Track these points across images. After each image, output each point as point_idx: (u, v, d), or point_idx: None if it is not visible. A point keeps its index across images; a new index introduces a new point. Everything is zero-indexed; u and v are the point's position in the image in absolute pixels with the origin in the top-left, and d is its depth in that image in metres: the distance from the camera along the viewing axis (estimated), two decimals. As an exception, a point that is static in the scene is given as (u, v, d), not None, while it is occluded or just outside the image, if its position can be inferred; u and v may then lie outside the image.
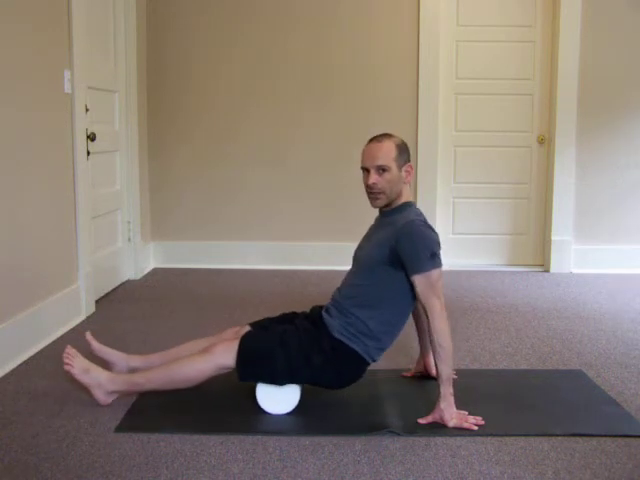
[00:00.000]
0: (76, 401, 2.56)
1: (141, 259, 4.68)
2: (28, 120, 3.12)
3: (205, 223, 5.00)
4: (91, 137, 3.78)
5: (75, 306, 3.58)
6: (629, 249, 4.93)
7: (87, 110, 3.75)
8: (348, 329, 2.45)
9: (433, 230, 2.45)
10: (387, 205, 2.51)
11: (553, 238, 4.91)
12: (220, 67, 4.88)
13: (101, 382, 2.48)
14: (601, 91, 4.82)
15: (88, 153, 3.78)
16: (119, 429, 2.33)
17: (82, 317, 3.65)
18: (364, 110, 4.89)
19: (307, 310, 2.72)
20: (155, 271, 4.88)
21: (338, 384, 2.50)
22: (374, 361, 2.51)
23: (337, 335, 2.44)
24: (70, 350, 2.54)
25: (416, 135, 4.89)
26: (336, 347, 2.43)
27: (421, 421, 2.37)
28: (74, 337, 3.34)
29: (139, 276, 4.65)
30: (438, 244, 2.42)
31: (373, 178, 2.44)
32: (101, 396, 2.49)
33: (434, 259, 2.38)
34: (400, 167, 2.46)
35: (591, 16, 4.75)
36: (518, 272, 4.90)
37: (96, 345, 2.70)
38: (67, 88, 3.48)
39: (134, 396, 2.58)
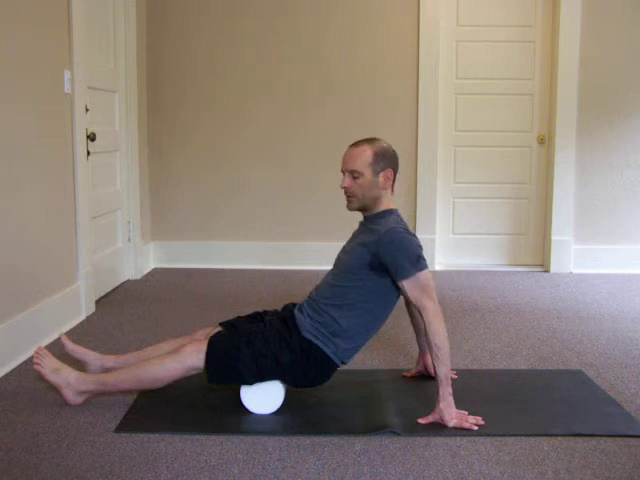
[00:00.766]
0: (76, 401, 2.56)
1: (141, 259, 4.68)
2: (28, 120, 3.12)
3: (205, 223, 5.00)
4: (91, 137, 3.78)
5: (75, 306, 3.58)
6: (629, 249, 4.93)
7: (87, 110, 3.75)
8: (319, 329, 2.45)
9: (414, 235, 2.46)
10: (366, 210, 2.54)
11: (553, 238, 4.91)
12: (220, 67, 4.88)
13: (70, 382, 2.48)
14: (601, 91, 4.82)
15: (88, 153, 3.78)
16: (119, 429, 2.33)
17: (82, 317, 3.65)
18: (364, 110, 4.89)
19: (279, 308, 2.72)
20: (155, 271, 4.88)
21: (305, 384, 2.50)
22: (343, 363, 2.51)
23: (307, 335, 2.45)
24: (41, 350, 2.55)
25: (416, 135, 4.89)
26: (305, 347, 2.43)
27: (421, 421, 2.37)
28: (74, 337, 3.34)
29: (139, 276, 4.65)
30: (420, 247, 2.43)
31: (345, 182, 2.50)
32: (70, 396, 2.49)
33: (419, 262, 2.39)
34: (376, 173, 2.47)
35: (591, 16, 4.75)
36: (518, 272, 4.90)
37: (70, 346, 2.71)
38: (67, 88, 3.48)
39: (134, 396, 2.59)
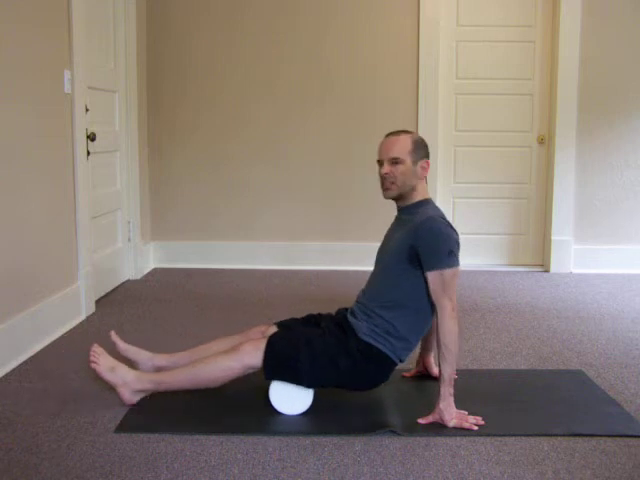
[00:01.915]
0: (76, 401, 2.56)
1: (141, 259, 4.68)
2: (28, 120, 3.12)
3: (205, 223, 5.00)
4: (91, 137, 3.78)
5: (75, 306, 3.58)
6: (629, 249, 4.93)
7: (87, 110, 3.75)
8: (375, 330, 2.44)
9: (453, 229, 2.44)
10: (402, 200, 2.52)
11: (553, 238, 4.91)
12: (220, 67, 4.88)
13: (127, 381, 2.47)
14: (601, 91, 4.82)
15: (88, 153, 3.78)
16: (119, 429, 2.32)
17: (82, 317, 3.65)
18: (364, 110, 4.89)
19: (331, 312, 2.73)
20: (155, 271, 4.88)
21: (365, 386, 2.50)
22: (401, 361, 2.51)
23: (364, 337, 2.44)
24: (97, 348, 2.53)
25: (416, 135, 4.89)
26: (363, 349, 2.43)
27: (421, 421, 2.37)
28: (74, 337, 3.34)
29: (139, 276, 4.65)
30: (457, 243, 2.40)
31: (386, 168, 2.46)
32: (127, 395, 2.48)
33: (450, 257, 2.36)
34: (415, 162, 2.47)
35: (591, 16, 4.75)
36: (518, 272, 4.90)
37: (122, 345, 2.70)
38: (67, 88, 3.48)
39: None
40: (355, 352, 2.42)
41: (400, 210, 2.57)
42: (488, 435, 2.30)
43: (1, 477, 2.01)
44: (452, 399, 2.36)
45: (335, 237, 4.99)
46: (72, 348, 3.17)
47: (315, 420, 2.42)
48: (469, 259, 5.08)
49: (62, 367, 2.92)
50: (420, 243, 2.37)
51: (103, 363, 2.49)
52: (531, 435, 2.30)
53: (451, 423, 2.33)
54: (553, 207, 4.89)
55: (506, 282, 4.59)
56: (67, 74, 3.48)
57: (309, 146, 4.93)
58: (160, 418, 2.42)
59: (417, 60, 4.84)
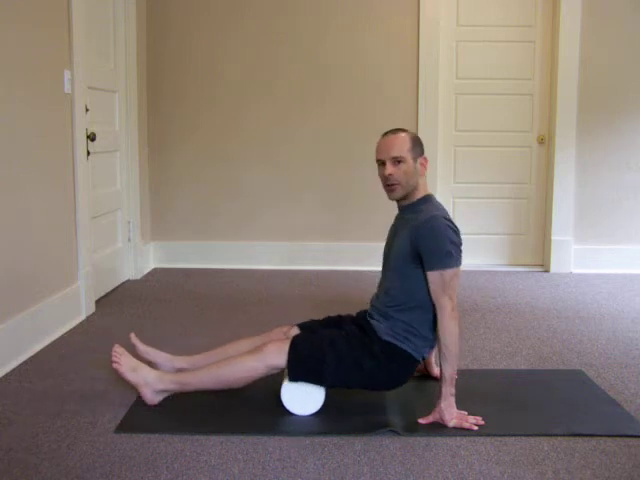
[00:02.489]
0: (76, 401, 2.56)
1: (141, 259, 4.68)
2: (28, 120, 3.12)
3: (205, 223, 5.00)
4: (91, 137, 3.78)
5: (75, 306, 3.58)
6: (629, 249, 4.93)
7: (87, 110, 3.75)
8: (396, 330, 2.45)
9: (456, 228, 2.43)
10: (405, 199, 2.51)
11: (553, 238, 4.91)
12: (220, 67, 4.88)
13: (149, 381, 2.47)
14: (601, 91, 4.82)
15: (88, 153, 3.78)
16: (119, 429, 2.32)
17: (82, 317, 3.65)
18: (364, 110, 4.89)
19: (352, 313, 2.73)
20: (155, 271, 4.88)
21: (389, 386, 2.50)
22: (424, 359, 2.53)
23: (386, 337, 2.45)
24: (118, 348, 2.53)
25: (416, 135, 4.89)
26: (386, 350, 2.43)
27: (421, 421, 2.37)
28: (74, 337, 3.35)
29: (139, 276, 4.65)
30: (457, 244, 2.40)
31: (389, 169, 2.44)
32: (149, 395, 2.48)
33: (451, 257, 2.36)
34: (415, 159, 2.46)
35: (591, 16, 4.75)
36: (518, 272, 4.90)
37: (141, 347, 2.70)
38: (67, 88, 3.48)
39: (133, 397, 2.58)
40: (378, 353, 2.42)
41: (402, 209, 2.56)
42: (488, 435, 2.30)
43: (1, 477, 2.01)
44: (453, 399, 2.36)
45: (335, 237, 4.99)
46: (72, 348, 3.17)
47: (315, 420, 2.42)
48: (469, 259, 5.08)
49: (62, 367, 2.92)
50: (421, 242, 2.37)
51: (125, 363, 2.49)
52: (531, 435, 2.30)
53: (451, 423, 2.33)
54: (553, 207, 4.89)
55: (506, 282, 4.59)
56: (67, 74, 3.48)
57: (309, 146, 4.93)
58: (160, 418, 2.41)
59: (417, 60, 4.84)
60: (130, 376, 2.47)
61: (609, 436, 2.30)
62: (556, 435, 2.30)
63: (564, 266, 4.91)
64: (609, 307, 3.97)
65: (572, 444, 2.25)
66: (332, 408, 2.51)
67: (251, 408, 2.49)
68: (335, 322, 2.66)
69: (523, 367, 2.99)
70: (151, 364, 2.66)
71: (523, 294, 4.27)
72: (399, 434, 2.29)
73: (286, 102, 4.90)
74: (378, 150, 2.49)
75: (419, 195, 2.50)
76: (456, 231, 2.42)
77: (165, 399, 2.54)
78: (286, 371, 2.42)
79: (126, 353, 2.53)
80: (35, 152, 3.19)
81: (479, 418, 2.37)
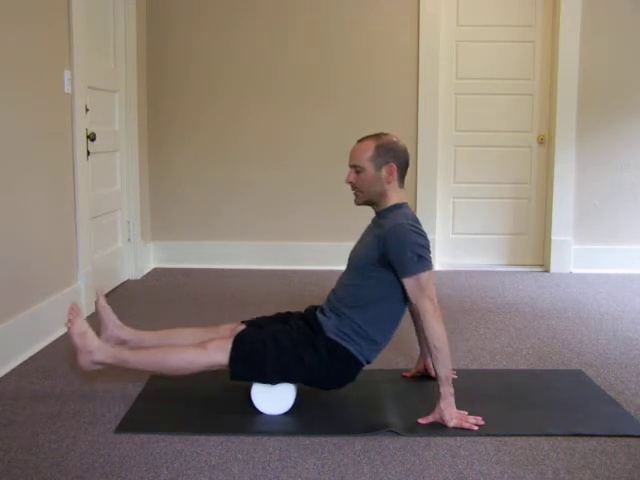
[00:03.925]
0: (76, 401, 2.56)
1: (141, 259, 4.68)
2: (28, 120, 3.12)
3: (205, 223, 5.01)
4: (91, 137, 3.78)
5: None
6: (629, 249, 4.93)
7: (87, 110, 3.75)
8: (342, 329, 2.45)
9: (422, 232, 2.44)
10: (375, 205, 2.54)
11: (553, 238, 4.91)
12: (220, 67, 4.88)
13: (91, 350, 2.48)
14: (601, 91, 4.82)
15: (88, 153, 3.78)
16: (119, 429, 2.32)
17: (82, 317, 3.64)
18: (364, 110, 4.89)
19: (302, 310, 2.72)
20: (155, 271, 4.88)
21: (330, 385, 2.50)
22: (368, 362, 2.51)
23: (331, 335, 2.45)
24: (75, 308, 2.55)
25: (416, 135, 4.89)
26: (330, 348, 2.43)
27: (421, 421, 2.37)
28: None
29: (139, 276, 4.65)
30: (425, 247, 2.41)
31: (349, 177, 2.51)
32: (86, 362, 2.49)
33: (422, 261, 2.37)
34: (378, 167, 2.47)
35: (591, 16, 4.75)
36: (518, 272, 4.90)
37: (102, 302, 2.71)
38: (67, 88, 3.48)
39: (132, 397, 2.59)
40: (321, 350, 2.42)
41: (376, 214, 2.59)
42: (488, 435, 2.30)
43: (1, 477, 2.01)
44: (452, 399, 2.35)
45: (335, 237, 4.99)
46: (72, 348, 3.16)
47: (315, 420, 2.42)
48: (469, 259, 5.09)
49: (62, 367, 2.92)
50: (390, 252, 2.38)
51: (77, 325, 2.51)
52: (531, 435, 2.30)
53: (451, 423, 2.33)
54: (553, 207, 4.89)
55: (506, 282, 4.59)
56: (67, 74, 3.48)
57: (309, 146, 4.93)
58: (160, 418, 2.42)
59: (417, 60, 4.84)
60: (77, 339, 2.49)
61: (609, 436, 2.29)
62: (556, 435, 2.30)
63: (564, 266, 4.91)
64: (609, 307, 3.97)
65: (572, 444, 2.25)
66: (332, 408, 2.51)
67: (251, 408, 2.49)
68: (283, 318, 2.65)
69: (523, 367, 2.99)
70: (100, 322, 2.68)
71: (523, 294, 4.27)
72: (399, 434, 2.29)
73: (286, 102, 4.90)
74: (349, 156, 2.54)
75: (389, 203, 2.51)
76: (423, 235, 2.43)
77: (165, 399, 2.54)
78: (228, 370, 2.42)
79: (81, 315, 2.54)
80: (35, 152, 3.19)
81: (479, 418, 2.37)
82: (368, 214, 2.64)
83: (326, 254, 4.96)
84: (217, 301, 4.05)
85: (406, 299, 2.48)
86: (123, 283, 4.49)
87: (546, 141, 4.98)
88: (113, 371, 2.69)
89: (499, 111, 4.97)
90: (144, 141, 4.78)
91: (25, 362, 2.98)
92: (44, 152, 3.28)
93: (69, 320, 2.52)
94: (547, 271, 4.93)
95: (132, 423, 2.37)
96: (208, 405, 2.53)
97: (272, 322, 2.62)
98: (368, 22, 4.82)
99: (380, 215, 2.54)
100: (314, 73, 4.87)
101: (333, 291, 2.59)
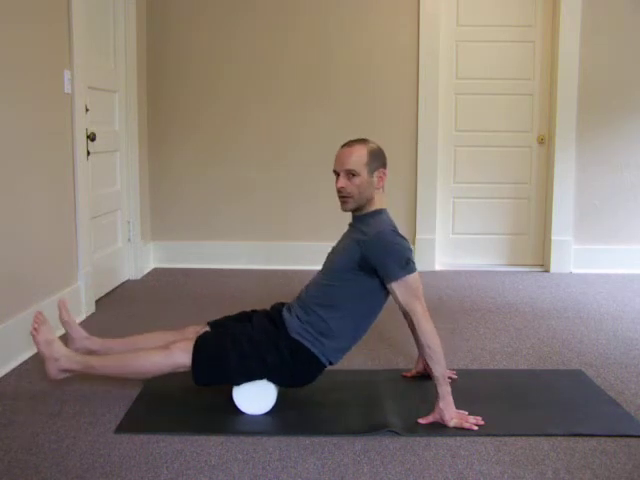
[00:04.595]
0: (76, 401, 2.56)
1: (141, 259, 4.68)
2: (28, 120, 3.12)
3: (205, 223, 5.01)
4: (91, 137, 3.78)
5: (75, 306, 3.58)
6: (629, 249, 4.93)
7: (87, 110, 3.75)
8: (307, 329, 2.45)
9: (403, 237, 2.46)
10: (358, 209, 2.53)
11: (553, 238, 4.91)
12: (220, 67, 4.88)
13: (58, 358, 2.49)
14: (601, 91, 4.82)
15: (88, 153, 3.78)
16: (119, 429, 2.32)
17: (82, 317, 3.65)
18: (364, 110, 4.89)
19: (268, 308, 2.72)
20: (155, 271, 4.88)
21: (292, 384, 2.50)
22: (331, 364, 2.51)
23: (295, 335, 2.45)
24: (40, 316, 2.55)
25: (416, 135, 4.89)
26: (293, 348, 2.43)
27: (421, 421, 2.37)
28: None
29: (139, 276, 4.65)
30: (410, 250, 2.43)
31: (341, 182, 2.47)
32: (53, 371, 2.49)
33: (408, 265, 2.39)
34: (371, 172, 2.47)
35: (591, 16, 4.75)
36: (518, 272, 4.90)
37: (65, 315, 2.71)
38: (67, 88, 3.48)
39: (132, 397, 2.59)
40: (283, 349, 2.42)
41: (354, 218, 2.58)
42: (488, 435, 2.30)
43: (1, 477, 2.01)
44: (451, 398, 2.36)
45: (335, 237, 4.96)
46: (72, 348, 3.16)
47: (315, 420, 2.42)
48: (469, 259, 5.09)
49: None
50: (375, 258, 2.39)
51: (42, 332, 2.51)
52: (531, 435, 2.30)
53: (451, 423, 2.33)
54: (553, 207, 4.89)
55: (506, 282, 4.59)
56: (67, 74, 3.48)
57: (308, 146, 4.93)
58: (160, 418, 2.42)
59: (417, 60, 4.84)
60: (43, 347, 2.49)
61: (609, 436, 2.29)
62: (556, 435, 2.30)
63: (564, 266, 4.91)
64: (609, 307, 3.97)
65: (572, 444, 2.25)
66: (332, 408, 2.51)
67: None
68: (247, 317, 2.64)
69: (523, 367, 2.99)
70: (67, 334, 2.68)
71: (523, 294, 4.27)
72: (399, 434, 2.29)
73: (285, 102, 4.90)
74: (335, 161, 2.51)
75: (372, 208, 2.52)
76: (405, 239, 2.46)
77: (165, 399, 2.54)
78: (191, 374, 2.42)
79: (47, 323, 2.55)
80: (35, 152, 3.19)
81: (479, 418, 2.37)
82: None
83: (326, 254, 4.94)
84: (217, 301, 4.05)
85: (380, 304, 2.50)
86: (123, 283, 4.49)
87: (546, 141, 4.98)
88: (72, 376, 2.66)
89: (499, 111, 4.97)
90: (144, 141, 4.78)
91: (25, 362, 2.98)
92: (44, 152, 3.28)
93: (34, 329, 2.51)
94: (547, 271, 4.93)
95: (132, 423, 2.37)
96: (208, 405, 2.53)
97: (236, 321, 2.62)
98: (368, 22, 4.82)
99: (360, 219, 2.54)
100: (314, 73, 4.87)
101: (306, 287, 2.60)
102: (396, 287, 2.38)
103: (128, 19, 4.41)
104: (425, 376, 2.80)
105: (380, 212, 2.52)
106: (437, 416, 2.36)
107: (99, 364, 2.49)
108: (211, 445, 2.22)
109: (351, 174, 2.46)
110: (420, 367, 2.82)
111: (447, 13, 4.89)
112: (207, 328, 2.62)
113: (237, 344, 2.42)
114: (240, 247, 5.00)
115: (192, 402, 2.55)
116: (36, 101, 3.19)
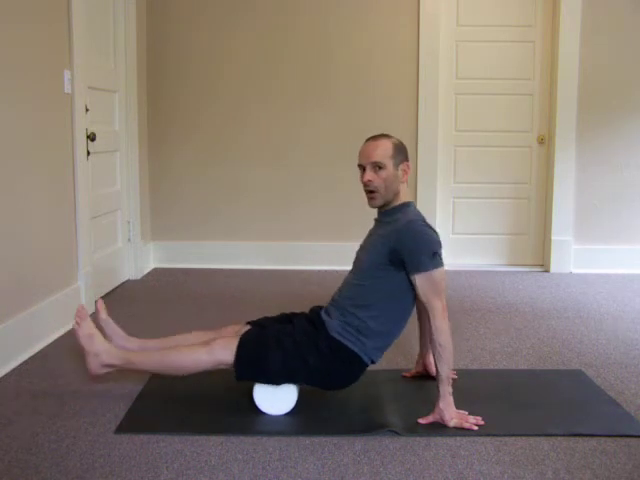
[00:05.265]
0: (76, 401, 2.56)
1: (141, 259, 4.68)
2: (28, 120, 3.12)
3: (205, 223, 5.01)
4: (91, 137, 3.78)
5: (75, 306, 3.57)
6: (629, 249, 4.93)
7: (87, 110, 3.75)
8: (347, 329, 2.44)
9: (434, 230, 2.45)
10: (385, 204, 2.51)
11: (553, 238, 4.91)
12: (220, 67, 4.88)
13: (99, 352, 2.49)
14: (601, 91, 4.82)
15: (88, 153, 3.78)
16: (119, 429, 2.32)
17: (89, 320, 3.64)
18: (364, 110, 4.89)
19: (306, 311, 2.72)
20: (155, 271, 4.88)
21: (335, 385, 2.50)
22: (373, 362, 2.50)
23: (335, 335, 2.44)
24: (83, 310, 2.56)
25: (416, 135, 4.89)
26: (334, 348, 2.42)
27: (421, 421, 2.37)
28: (74, 337, 3.34)
29: (139, 276, 4.65)
30: (439, 244, 2.42)
31: (369, 175, 2.45)
32: (95, 366, 2.50)
33: (435, 259, 2.38)
34: (396, 165, 2.47)
35: (591, 16, 4.75)
36: (518, 272, 4.90)
37: (104, 315, 2.72)
38: (67, 88, 3.48)
39: (132, 397, 2.59)
40: (325, 349, 2.41)
41: (381, 213, 2.56)
42: (488, 435, 2.30)
43: (1, 477, 2.01)
44: (451, 398, 2.36)
45: (335, 237, 4.99)
46: (72, 348, 3.17)
47: (315, 420, 2.42)
48: (469, 259, 5.09)
49: (62, 367, 2.93)
50: (404, 248, 2.37)
51: (84, 327, 2.52)
52: (531, 435, 2.30)
53: (451, 423, 2.33)
54: (553, 207, 4.89)
55: (506, 282, 4.59)
56: (67, 74, 3.48)
57: (309, 146, 4.93)
58: (160, 418, 2.42)
59: (417, 60, 4.84)
60: (84, 341, 2.50)
61: (609, 436, 2.29)
62: (556, 435, 2.30)
63: (564, 266, 4.91)
64: (609, 307, 3.98)
65: (572, 444, 2.25)
66: (332, 408, 2.51)
67: (251, 408, 2.49)
68: (288, 319, 2.64)
69: (523, 367, 2.99)
70: (104, 335, 2.68)
71: (523, 294, 4.27)
72: (399, 434, 2.29)
73: (286, 102, 4.90)
74: (360, 155, 2.50)
75: (399, 201, 2.51)
76: (436, 232, 2.45)
77: (165, 399, 2.54)
78: (233, 370, 2.42)
79: (89, 318, 2.56)
80: (35, 152, 3.19)
81: (479, 418, 2.37)
82: (367, 213, 2.64)
83: (326, 254, 4.96)
84: (217, 301, 4.05)
85: (413, 299, 2.47)
86: (123, 283, 4.49)
87: (546, 141, 4.98)
88: (113, 371, 2.69)
89: (499, 111, 4.97)
90: (144, 141, 4.78)
91: (25, 362, 2.98)
92: (44, 152, 3.28)
93: (76, 322, 2.53)
94: (547, 271, 4.93)
95: (132, 423, 2.37)
96: (208, 405, 2.53)
97: (276, 322, 2.61)
98: (368, 22, 4.82)
99: (387, 214, 2.52)
100: (314, 73, 4.87)
101: (339, 290, 2.59)
102: (419, 279, 2.36)
103: (128, 19, 4.41)
104: (425, 376, 2.80)
105: (408, 205, 2.51)
106: (437, 416, 2.36)
107: (139, 360, 2.49)
108: (211, 445, 2.22)
109: (377, 167, 2.44)
110: (420, 367, 2.82)
111: (447, 13, 4.90)
112: (246, 327, 2.61)
113: (280, 344, 2.41)
114: (240, 247, 5.00)
115: (192, 402, 2.55)
116: (36, 101, 3.19)
